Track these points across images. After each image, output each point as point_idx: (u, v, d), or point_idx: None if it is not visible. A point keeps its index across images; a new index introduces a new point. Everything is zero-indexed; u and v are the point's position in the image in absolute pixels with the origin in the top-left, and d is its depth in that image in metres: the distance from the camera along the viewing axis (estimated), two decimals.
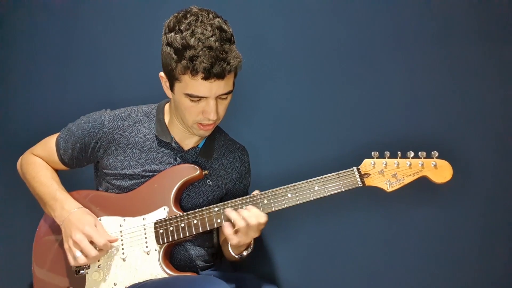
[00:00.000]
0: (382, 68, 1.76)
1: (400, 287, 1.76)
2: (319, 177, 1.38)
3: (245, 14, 1.87)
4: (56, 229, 1.52)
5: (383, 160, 1.36)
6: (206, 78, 1.31)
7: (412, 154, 1.35)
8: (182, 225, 1.43)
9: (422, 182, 1.36)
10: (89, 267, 1.47)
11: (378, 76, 1.77)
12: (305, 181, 1.38)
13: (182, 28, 1.32)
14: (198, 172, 1.48)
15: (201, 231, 1.42)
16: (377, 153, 1.36)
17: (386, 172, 1.35)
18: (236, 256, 1.46)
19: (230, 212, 1.36)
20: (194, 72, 1.30)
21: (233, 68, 1.33)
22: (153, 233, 1.45)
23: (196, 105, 1.38)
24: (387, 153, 1.36)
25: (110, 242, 1.43)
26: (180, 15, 1.36)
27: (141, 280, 1.42)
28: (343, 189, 1.36)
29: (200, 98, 1.36)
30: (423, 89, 1.73)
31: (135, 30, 1.96)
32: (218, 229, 1.62)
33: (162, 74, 1.42)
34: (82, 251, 1.40)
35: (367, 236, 1.76)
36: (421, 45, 1.73)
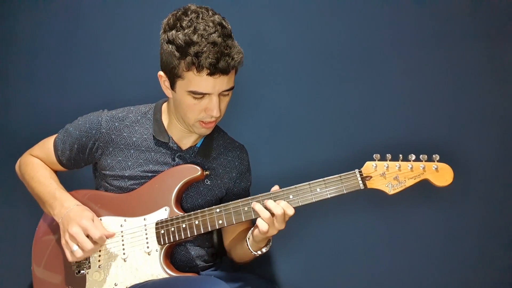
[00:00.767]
0: (385, 70, 1.77)
1: None
2: (321, 179, 1.38)
3: (245, 13, 1.86)
4: (55, 229, 1.52)
5: (384, 163, 1.36)
6: (211, 73, 1.31)
7: (413, 157, 1.35)
8: (184, 225, 1.43)
9: (423, 185, 1.36)
10: (89, 267, 1.46)
11: (380, 78, 1.77)
12: (307, 183, 1.38)
13: (183, 25, 1.32)
14: (199, 172, 1.48)
15: (202, 232, 1.42)
16: (378, 155, 1.37)
17: (388, 175, 1.36)
18: (256, 253, 1.44)
19: (267, 201, 1.35)
20: (199, 68, 1.30)
21: (237, 63, 1.34)
22: (154, 234, 1.44)
23: (198, 103, 1.37)
24: (388, 156, 1.36)
25: (107, 237, 1.42)
26: (179, 12, 1.36)
27: (141, 281, 1.43)
28: (344, 192, 1.36)
29: (203, 95, 1.36)
30: (425, 92, 1.74)
31: (133, 31, 1.96)
32: (220, 231, 1.62)
33: (161, 73, 1.42)
34: (78, 245, 1.39)
35: (368, 238, 1.77)
36: (423, 47, 1.73)
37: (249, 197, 1.41)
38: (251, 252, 1.44)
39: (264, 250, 1.45)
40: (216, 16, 1.35)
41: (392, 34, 1.76)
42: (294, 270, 1.83)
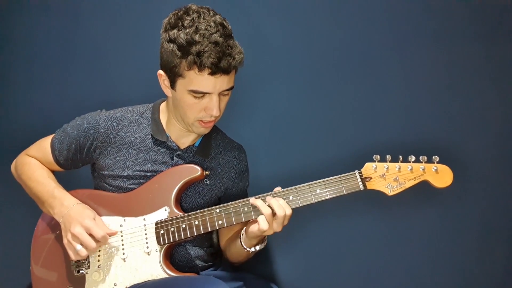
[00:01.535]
0: (384, 71, 1.77)
1: None
2: (321, 180, 1.38)
3: (244, 13, 1.85)
4: (54, 228, 1.52)
5: (384, 164, 1.37)
6: (213, 73, 1.32)
7: (413, 158, 1.35)
8: (183, 226, 1.43)
9: (422, 186, 1.37)
10: (89, 267, 1.46)
11: (379, 79, 1.77)
12: (307, 183, 1.39)
13: (185, 24, 1.32)
14: (199, 172, 1.48)
15: (202, 232, 1.42)
16: (378, 156, 1.37)
17: (388, 176, 1.36)
18: (249, 250, 1.43)
19: (270, 199, 1.36)
20: (201, 67, 1.31)
21: (238, 63, 1.35)
22: (154, 234, 1.44)
23: (199, 102, 1.38)
24: (388, 157, 1.37)
25: (109, 235, 1.43)
26: (180, 12, 1.36)
27: (141, 281, 1.42)
28: (344, 192, 1.37)
29: (203, 94, 1.36)
30: (424, 93, 1.74)
31: (133, 30, 1.95)
32: (218, 231, 1.62)
33: (161, 72, 1.42)
34: (82, 244, 1.39)
35: (368, 239, 1.78)
36: (423, 48, 1.73)
37: (248, 198, 1.41)
38: (244, 248, 1.43)
39: (257, 247, 1.44)
40: (217, 16, 1.35)
41: (391, 35, 1.76)
42: (294, 270, 1.84)
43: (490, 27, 1.69)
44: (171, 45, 1.34)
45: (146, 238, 1.45)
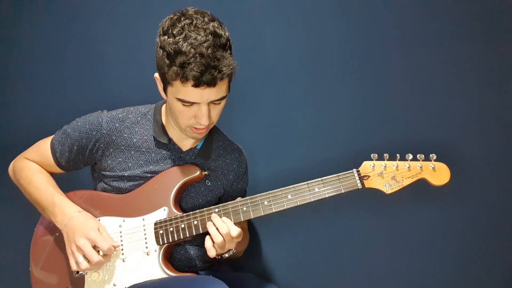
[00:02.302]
0: (381, 70, 1.77)
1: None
2: (319, 179, 1.38)
3: (244, 14, 1.86)
4: (54, 229, 1.51)
5: (382, 163, 1.37)
6: (196, 85, 1.29)
7: (410, 156, 1.36)
8: (182, 226, 1.43)
9: (420, 184, 1.37)
10: None
11: (377, 78, 1.77)
12: (305, 182, 1.39)
13: (175, 32, 1.30)
14: (198, 172, 1.49)
15: (201, 232, 1.42)
16: (376, 155, 1.38)
17: (386, 174, 1.37)
18: (216, 258, 1.43)
19: (209, 226, 1.37)
20: (184, 79, 1.29)
21: (225, 76, 1.31)
22: (153, 234, 1.44)
23: (188, 109, 1.37)
24: (386, 155, 1.38)
25: (114, 248, 1.41)
26: (175, 17, 1.34)
27: (140, 281, 1.42)
28: (343, 191, 1.37)
29: (192, 103, 1.35)
30: (422, 92, 1.74)
31: (133, 31, 1.95)
32: None
33: (156, 75, 1.41)
34: (85, 256, 1.39)
35: (366, 237, 1.77)
36: (420, 47, 1.73)
37: (247, 197, 1.42)
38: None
39: (226, 255, 1.43)
40: (211, 24, 1.31)
41: (390, 34, 1.76)
42: (293, 270, 1.83)
43: (491, 26, 1.69)
44: (162, 51, 1.32)
45: (145, 238, 1.45)
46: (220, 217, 1.39)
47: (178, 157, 1.52)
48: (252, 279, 1.53)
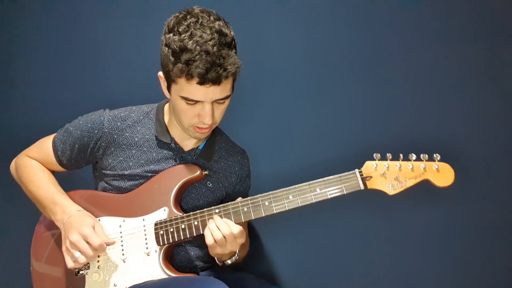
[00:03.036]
0: (384, 69, 1.75)
1: None
2: (321, 179, 1.36)
3: (247, 14, 1.85)
4: (54, 229, 1.51)
5: (385, 163, 1.34)
6: (201, 83, 1.29)
7: (414, 156, 1.33)
8: (183, 226, 1.42)
9: (424, 185, 1.35)
10: (88, 267, 1.46)
11: (380, 78, 1.76)
12: (307, 183, 1.37)
13: (181, 30, 1.30)
14: (198, 172, 1.48)
15: (201, 232, 1.40)
16: (379, 155, 1.35)
17: (388, 175, 1.34)
18: (219, 263, 1.46)
19: (209, 222, 1.37)
20: (189, 76, 1.28)
21: (230, 74, 1.30)
22: (153, 234, 1.44)
23: (192, 108, 1.36)
24: (389, 155, 1.35)
25: (107, 244, 1.40)
26: (180, 15, 1.34)
27: (141, 281, 1.42)
28: (345, 192, 1.35)
29: (195, 101, 1.34)
30: (425, 91, 1.72)
31: (135, 30, 1.95)
32: None
33: (160, 73, 1.41)
34: (80, 251, 1.38)
35: (369, 239, 1.76)
36: (423, 46, 1.71)
37: (248, 198, 1.40)
38: (217, 262, 1.46)
39: (229, 262, 1.44)
40: (217, 23, 1.31)
41: (391, 34, 1.75)
42: (294, 270, 1.83)
43: (491, 26, 1.67)
44: (167, 49, 1.32)
45: (146, 239, 1.44)
46: (221, 218, 1.38)
47: (180, 157, 1.51)
48: (253, 279, 1.52)
